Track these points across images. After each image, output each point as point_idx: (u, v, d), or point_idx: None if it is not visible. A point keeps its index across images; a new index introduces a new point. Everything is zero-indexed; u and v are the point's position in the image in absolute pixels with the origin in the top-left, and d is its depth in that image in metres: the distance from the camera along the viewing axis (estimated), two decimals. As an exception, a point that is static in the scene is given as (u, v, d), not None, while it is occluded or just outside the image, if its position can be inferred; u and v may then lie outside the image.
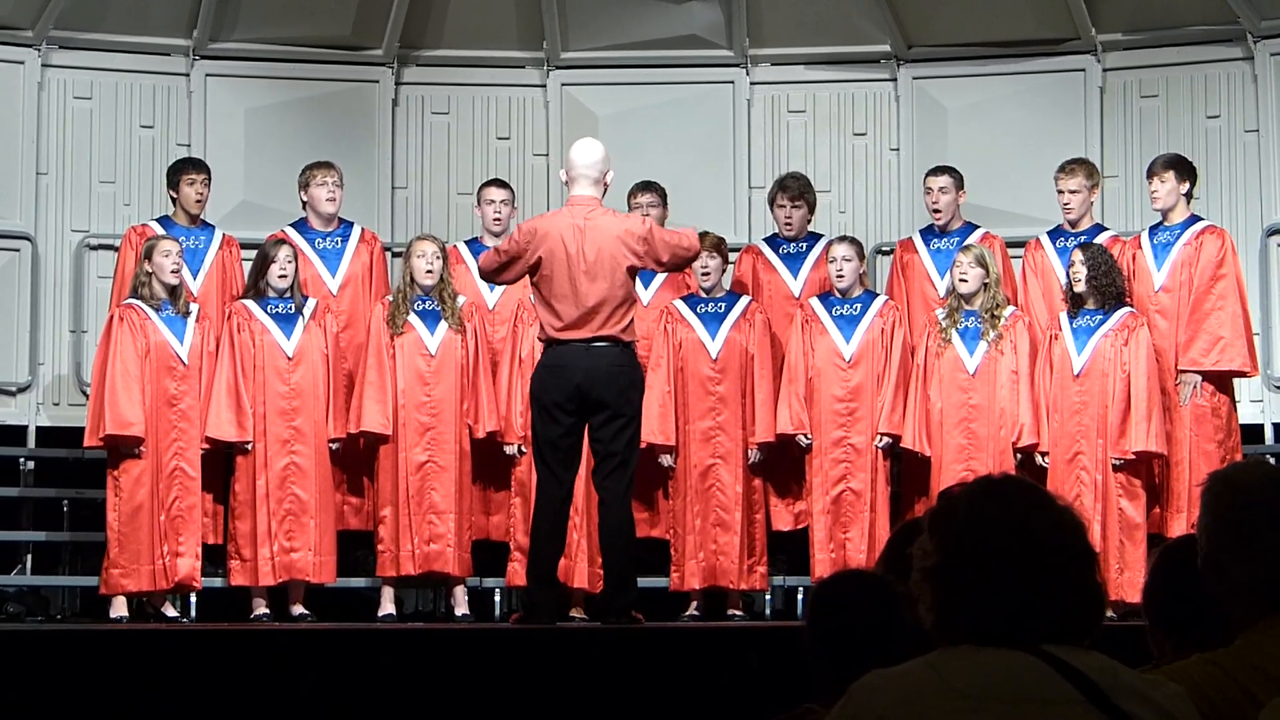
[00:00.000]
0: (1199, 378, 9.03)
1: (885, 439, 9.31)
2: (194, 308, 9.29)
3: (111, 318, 9.22)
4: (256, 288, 9.35)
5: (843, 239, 9.60)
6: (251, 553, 9.21)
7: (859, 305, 9.43)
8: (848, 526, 9.31)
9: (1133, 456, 8.92)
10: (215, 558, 9.51)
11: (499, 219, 9.77)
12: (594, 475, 8.10)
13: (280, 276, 9.28)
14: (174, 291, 9.18)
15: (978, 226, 9.78)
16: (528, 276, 8.08)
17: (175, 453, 9.14)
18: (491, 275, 8.32)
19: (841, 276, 9.41)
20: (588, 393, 7.89)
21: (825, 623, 3.52)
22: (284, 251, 9.35)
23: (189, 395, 9.18)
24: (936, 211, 9.77)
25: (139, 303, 9.15)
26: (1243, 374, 9.22)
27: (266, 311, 9.30)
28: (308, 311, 9.35)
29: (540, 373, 8.07)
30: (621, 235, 7.95)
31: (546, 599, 7.97)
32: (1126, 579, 8.73)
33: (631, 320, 8.05)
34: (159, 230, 9.54)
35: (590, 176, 8.06)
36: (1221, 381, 9.13)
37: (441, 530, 9.28)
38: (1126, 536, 8.92)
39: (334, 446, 9.35)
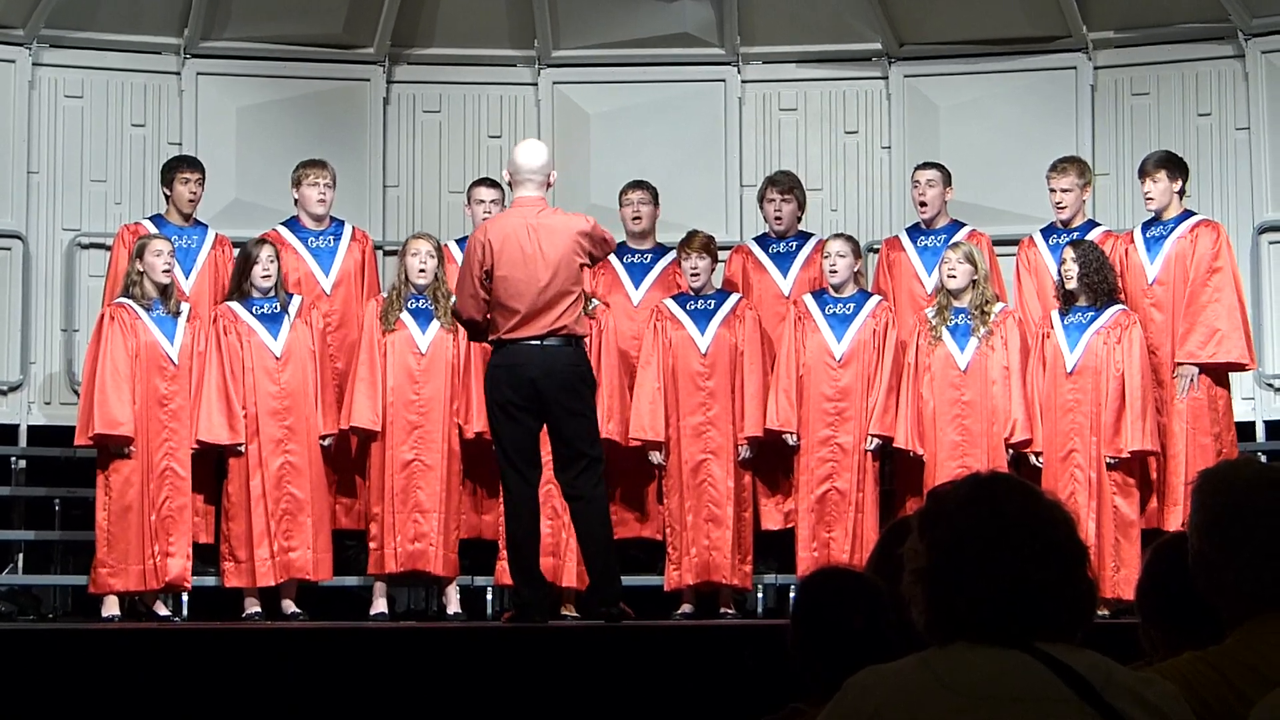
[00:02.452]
0: (1195, 370, 9.03)
1: (875, 441, 9.31)
2: (185, 307, 9.28)
3: (102, 316, 9.22)
4: (240, 289, 9.35)
5: (838, 236, 9.61)
6: (247, 554, 9.20)
7: (852, 304, 9.42)
8: (832, 526, 9.30)
9: (1127, 455, 8.93)
10: (208, 557, 9.51)
11: (489, 217, 9.78)
12: (560, 475, 8.14)
13: (264, 276, 9.28)
14: (165, 291, 9.18)
15: (964, 224, 9.78)
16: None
17: (166, 453, 9.14)
18: (468, 310, 8.16)
19: (835, 271, 9.40)
20: (543, 391, 7.95)
21: (808, 621, 3.52)
22: (266, 251, 9.35)
23: (179, 395, 9.17)
24: (923, 205, 9.75)
25: (130, 302, 9.15)
26: (1240, 366, 9.19)
27: (252, 312, 9.30)
28: (293, 310, 9.35)
29: (494, 373, 8.13)
30: (573, 234, 8.05)
31: (536, 597, 7.98)
32: (1122, 576, 8.73)
33: (580, 314, 8.13)
34: (152, 229, 9.53)
35: (536, 180, 8.17)
36: (1218, 375, 9.12)
37: (426, 529, 9.28)
38: (1121, 534, 8.92)
39: (325, 443, 9.35)
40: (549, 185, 8.24)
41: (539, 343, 7.97)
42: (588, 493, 7.99)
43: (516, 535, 8.07)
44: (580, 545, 8.29)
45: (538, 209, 8.13)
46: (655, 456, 9.45)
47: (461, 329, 9.40)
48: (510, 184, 8.29)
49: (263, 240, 9.51)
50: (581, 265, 8.12)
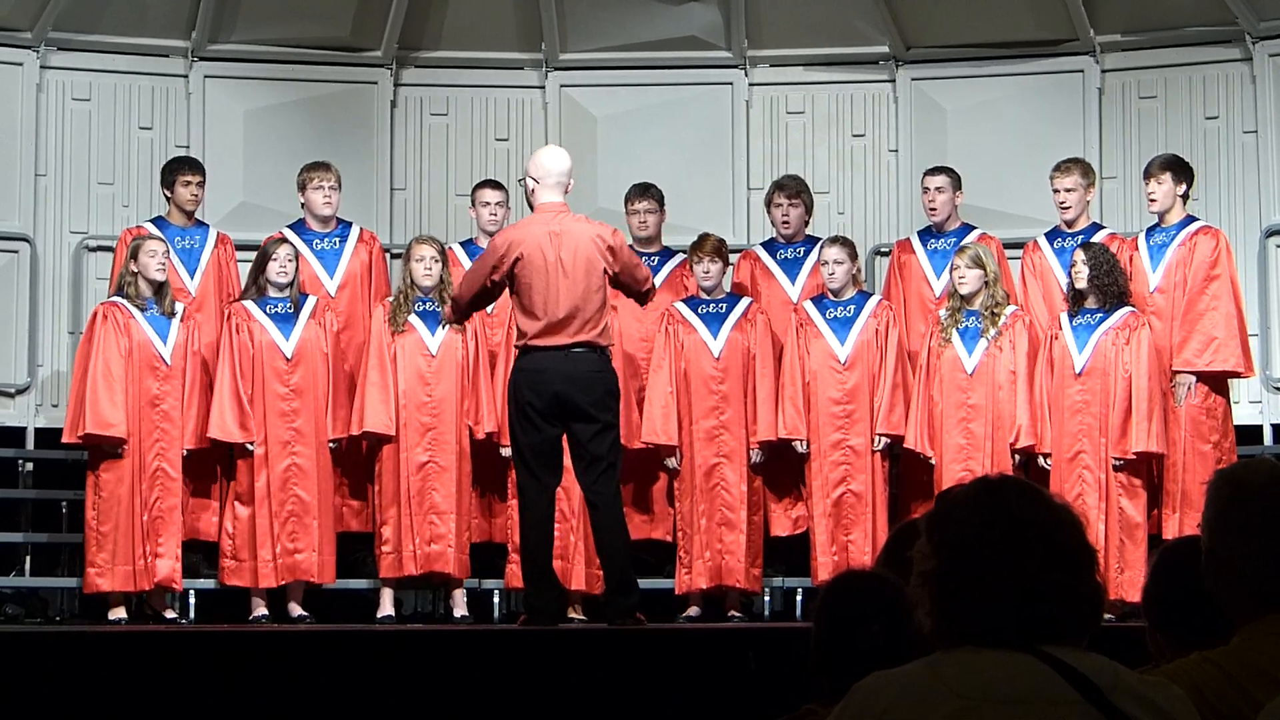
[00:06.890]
0: (1193, 378, 9.03)
1: (884, 440, 9.31)
2: (179, 307, 9.27)
3: (95, 315, 9.22)
4: (256, 285, 9.35)
5: (834, 240, 9.60)
6: (250, 554, 9.20)
7: (852, 307, 9.43)
8: (850, 529, 9.31)
9: (1133, 456, 8.92)
10: (215, 557, 9.50)
11: (494, 219, 9.79)
12: (581, 479, 8.10)
13: (280, 273, 9.28)
14: (160, 290, 9.17)
15: (974, 227, 9.78)
16: (507, 288, 8.06)
17: (157, 453, 9.14)
18: (465, 304, 8.24)
19: (834, 277, 9.41)
20: (566, 400, 7.89)
21: (834, 625, 3.51)
22: (284, 250, 9.37)
23: (171, 396, 9.17)
24: (933, 210, 9.77)
25: (123, 301, 9.14)
26: (1236, 374, 9.20)
27: (265, 311, 9.30)
28: (307, 310, 9.35)
29: (517, 377, 8.05)
30: (594, 239, 7.98)
31: (546, 601, 7.97)
32: (1127, 578, 8.72)
33: (606, 325, 8.05)
34: (154, 231, 9.54)
35: (561, 184, 8.10)
36: (1217, 382, 9.12)
37: (443, 530, 9.29)
38: (1127, 536, 8.91)
39: (332, 446, 9.34)
40: (567, 191, 8.18)
41: (563, 351, 7.92)
42: (603, 501, 7.96)
43: (529, 540, 8.03)
44: (598, 552, 8.28)
45: (559, 214, 8.04)
46: (670, 462, 9.44)
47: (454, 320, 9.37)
48: (532, 190, 8.13)
49: (281, 240, 9.53)
50: (606, 273, 7.99)
